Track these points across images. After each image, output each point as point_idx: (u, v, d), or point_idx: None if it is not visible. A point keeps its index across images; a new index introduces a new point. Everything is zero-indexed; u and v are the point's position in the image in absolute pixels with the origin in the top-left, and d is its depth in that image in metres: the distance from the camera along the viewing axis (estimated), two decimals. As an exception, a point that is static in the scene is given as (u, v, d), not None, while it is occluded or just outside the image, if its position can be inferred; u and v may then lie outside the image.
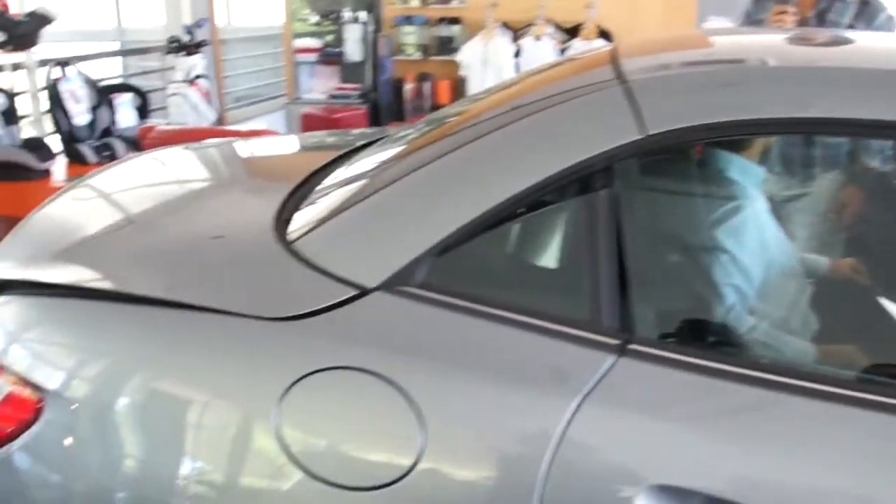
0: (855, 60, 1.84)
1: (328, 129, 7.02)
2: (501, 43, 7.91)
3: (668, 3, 8.05)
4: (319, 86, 8.66)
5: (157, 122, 5.88)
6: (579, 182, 1.53)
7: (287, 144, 2.82)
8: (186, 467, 1.50)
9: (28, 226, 2.01)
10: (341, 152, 2.27)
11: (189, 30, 8.14)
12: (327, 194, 1.87)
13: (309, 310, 1.49)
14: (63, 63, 6.99)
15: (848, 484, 1.31)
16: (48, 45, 7.11)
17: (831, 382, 1.38)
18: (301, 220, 1.74)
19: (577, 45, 7.81)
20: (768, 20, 3.28)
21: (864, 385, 1.48)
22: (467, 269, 1.59)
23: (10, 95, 6.72)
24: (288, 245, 1.64)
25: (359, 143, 2.36)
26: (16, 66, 7.15)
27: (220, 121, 8.99)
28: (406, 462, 1.39)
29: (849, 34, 2.60)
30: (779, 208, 2.00)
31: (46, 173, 6.71)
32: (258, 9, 11.21)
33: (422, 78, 8.31)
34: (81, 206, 2.13)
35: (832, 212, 2.14)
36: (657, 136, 1.47)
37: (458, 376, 1.43)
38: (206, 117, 8.25)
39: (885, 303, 1.96)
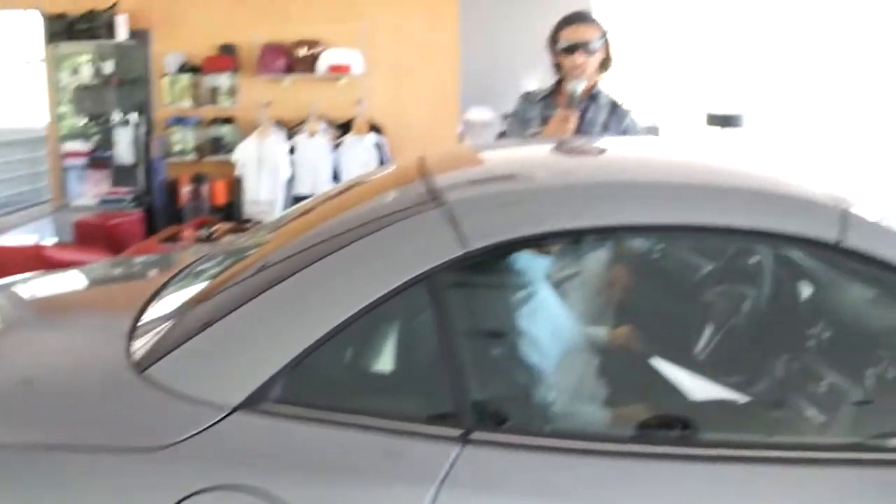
0: (612, 173, 2.16)
1: (105, 236, 6.89)
2: (275, 141, 8.05)
3: (433, 94, 8.49)
4: (90, 190, 8.42)
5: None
6: (415, 293, 1.72)
7: (75, 278, 2.79)
8: None
9: None
10: (170, 276, 2.32)
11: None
12: (170, 316, 1.93)
13: (177, 438, 1.56)
14: None
15: None
16: None
17: (627, 441, 1.71)
18: (147, 347, 1.79)
19: (350, 141, 8.10)
20: (543, 121, 3.57)
21: (650, 439, 1.79)
22: (321, 381, 1.74)
23: None
24: (141, 373, 1.69)
25: (185, 264, 2.42)
26: None
27: (-20, 231, 8.56)
28: None
29: (603, 143, 2.99)
30: (564, 290, 2.25)
31: None
32: (13, 111, 10.82)
33: (197, 179, 8.27)
34: None
35: (605, 288, 2.45)
36: (476, 250, 1.70)
37: (326, 484, 1.56)
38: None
39: (659, 362, 2.27)
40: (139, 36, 8.20)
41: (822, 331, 2.14)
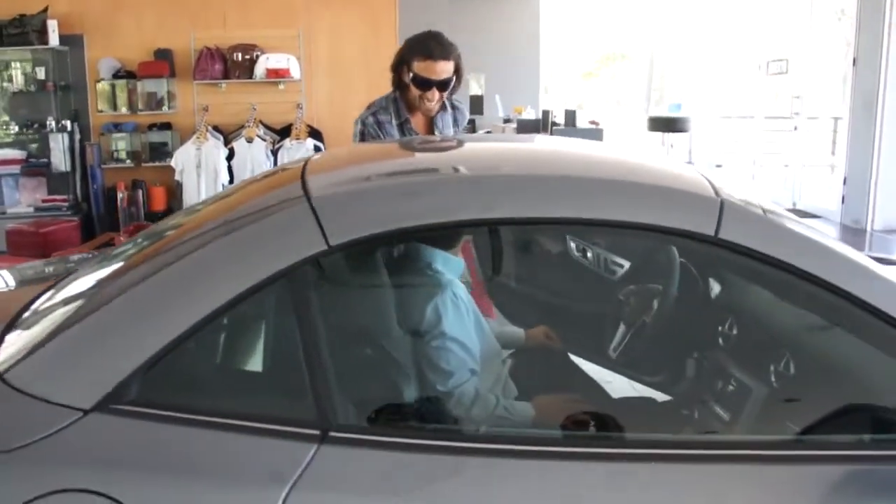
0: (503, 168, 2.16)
1: (38, 244, 6.79)
2: (214, 146, 8.01)
3: (371, 98, 8.42)
4: (25, 198, 8.31)
5: None
6: (274, 290, 1.71)
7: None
8: None
9: None
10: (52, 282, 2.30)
11: None
12: (35, 322, 1.91)
13: (29, 439, 1.54)
14: None
15: None
16: None
17: (534, 442, 1.68)
18: (10, 350, 1.78)
19: (289, 145, 8.07)
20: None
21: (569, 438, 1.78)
22: (177, 381, 1.72)
23: None
24: (0, 377, 1.68)
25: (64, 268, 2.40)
26: None
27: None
28: None
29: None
30: (478, 291, 2.26)
31: None
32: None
33: (135, 185, 8.20)
34: None
35: (522, 286, 2.46)
36: (339, 245, 1.68)
37: (179, 486, 1.55)
38: None
39: (577, 360, 2.30)
40: (72, 41, 8.12)
41: (726, 327, 2.17)
